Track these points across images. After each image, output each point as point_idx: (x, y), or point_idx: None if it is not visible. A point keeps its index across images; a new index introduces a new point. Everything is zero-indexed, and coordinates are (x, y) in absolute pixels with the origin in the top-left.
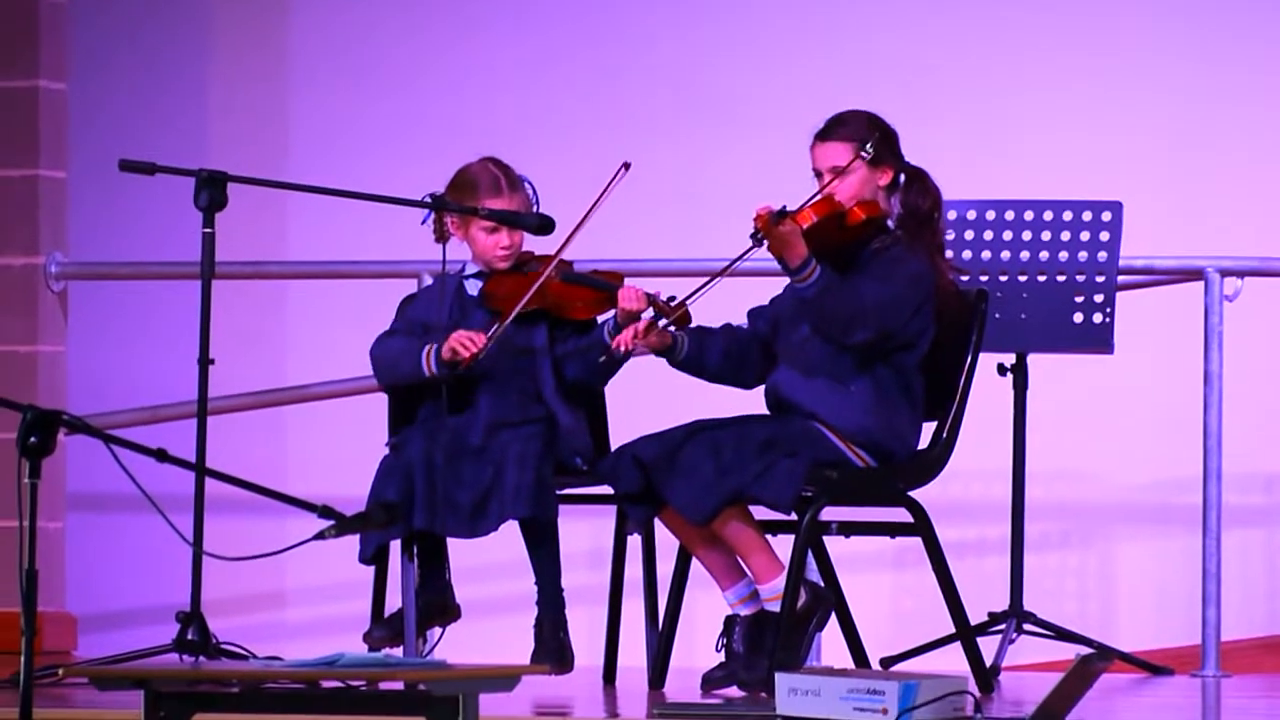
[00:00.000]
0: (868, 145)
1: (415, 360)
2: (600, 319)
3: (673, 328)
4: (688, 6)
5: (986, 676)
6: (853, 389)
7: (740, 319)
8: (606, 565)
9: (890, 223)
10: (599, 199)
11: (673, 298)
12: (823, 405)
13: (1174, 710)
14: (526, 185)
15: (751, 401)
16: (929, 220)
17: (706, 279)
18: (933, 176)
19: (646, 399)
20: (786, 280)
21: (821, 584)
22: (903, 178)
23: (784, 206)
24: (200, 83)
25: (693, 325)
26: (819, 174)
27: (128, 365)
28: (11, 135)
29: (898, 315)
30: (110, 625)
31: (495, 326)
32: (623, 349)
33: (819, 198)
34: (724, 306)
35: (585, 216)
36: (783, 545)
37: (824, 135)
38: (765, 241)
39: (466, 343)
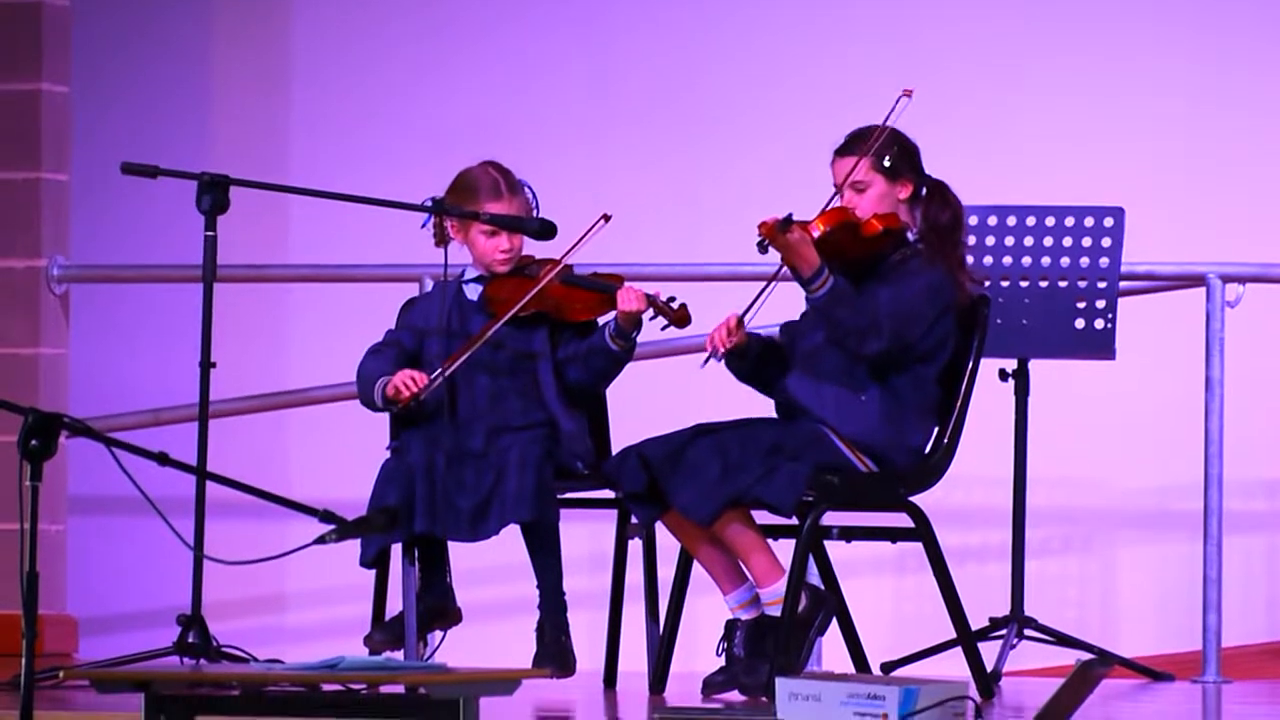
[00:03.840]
0: (885, 159)
1: (373, 392)
2: (601, 321)
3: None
4: (689, 12)
5: (987, 682)
6: (864, 398)
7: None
8: (607, 569)
9: (912, 235)
10: (574, 247)
11: (672, 298)
12: (833, 412)
13: (1175, 716)
14: (526, 189)
15: (754, 406)
16: (950, 233)
17: (752, 300)
18: (953, 190)
19: (648, 403)
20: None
21: (822, 588)
22: (924, 191)
23: (789, 215)
24: (202, 86)
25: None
26: (840, 189)
27: (129, 368)
28: (14, 138)
29: (914, 327)
30: (111, 628)
31: (438, 371)
32: (721, 349)
33: (831, 207)
34: (723, 308)
35: (562, 259)
36: (784, 549)
37: (843, 150)
38: (769, 249)
39: (409, 382)
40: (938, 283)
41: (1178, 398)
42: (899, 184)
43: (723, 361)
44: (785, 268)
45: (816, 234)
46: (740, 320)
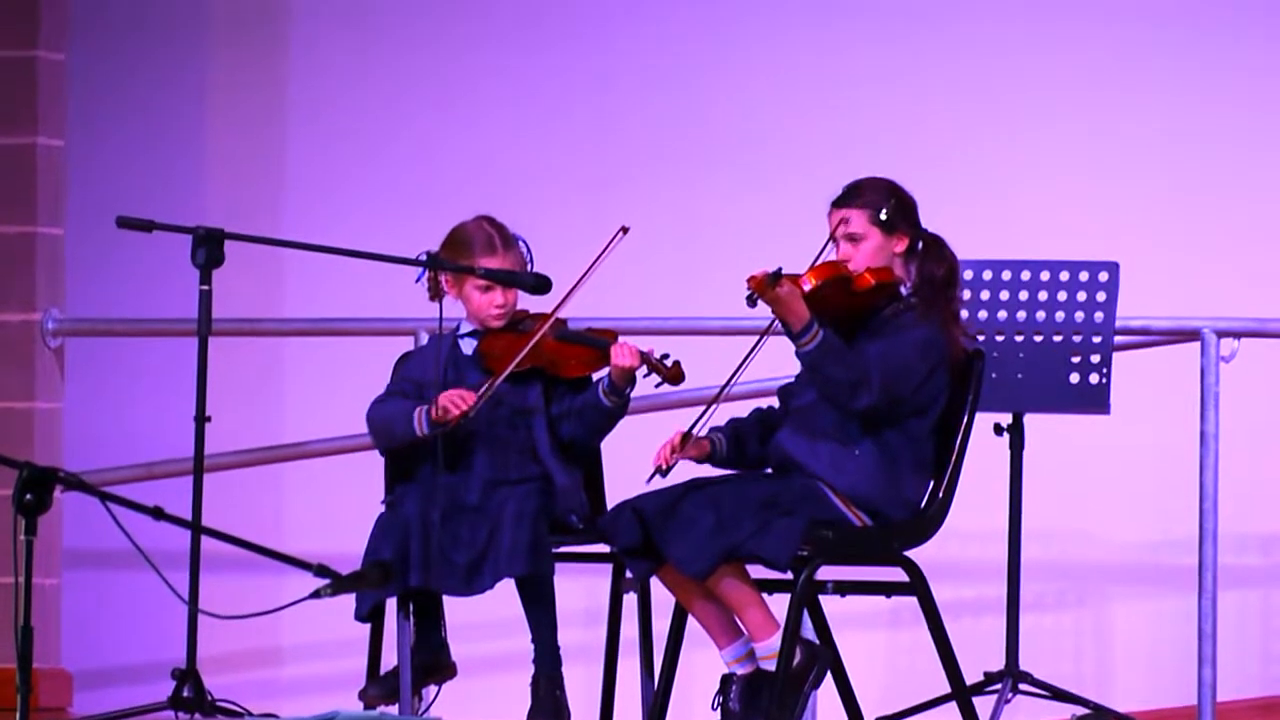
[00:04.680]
0: (881, 212)
1: (408, 422)
2: (595, 377)
3: (705, 431)
4: (684, 64)
5: None
6: (857, 452)
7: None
8: (602, 623)
9: (906, 290)
10: (595, 261)
11: (665, 355)
12: (827, 466)
13: None
14: (521, 244)
15: None
16: (944, 288)
17: (738, 365)
18: (949, 245)
19: (643, 458)
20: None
21: (817, 643)
22: (920, 245)
23: (779, 269)
24: (197, 139)
25: (722, 424)
26: (835, 240)
27: (124, 422)
28: (9, 192)
29: (905, 382)
30: (106, 682)
31: (485, 386)
32: (664, 465)
33: (822, 261)
34: (717, 362)
35: (581, 279)
36: (779, 604)
37: (840, 202)
38: (758, 303)
39: (457, 401)
40: (930, 338)
41: (1172, 452)
42: (895, 237)
43: (667, 477)
44: (773, 323)
45: (807, 287)
46: (686, 435)
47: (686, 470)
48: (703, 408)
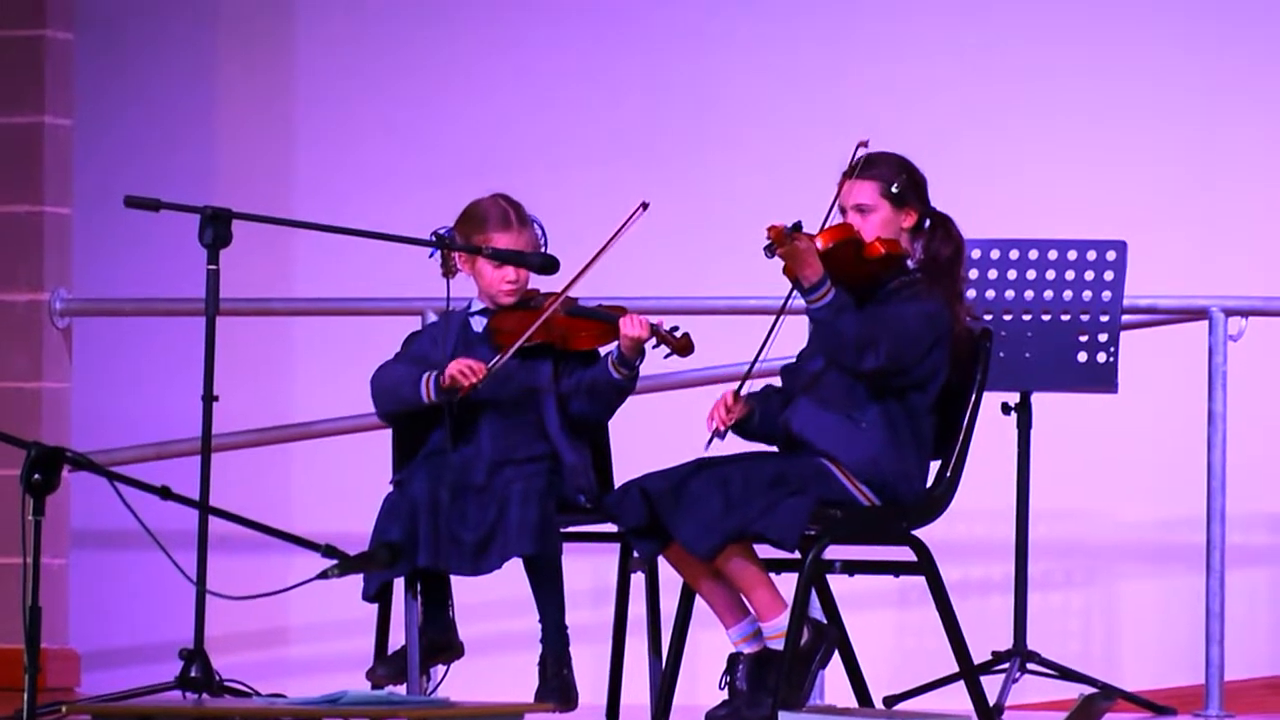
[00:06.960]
0: (893, 186)
1: (415, 386)
2: (603, 351)
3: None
4: (696, 42)
5: (990, 716)
6: (864, 425)
7: (740, 351)
8: (610, 603)
9: (911, 264)
10: (614, 236)
11: (675, 327)
12: (833, 441)
13: None
14: (536, 225)
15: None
16: (950, 267)
17: (767, 334)
18: (957, 224)
19: (650, 437)
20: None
21: (825, 622)
22: (927, 223)
23: (798, 221)
24: (205, 119)
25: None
26: (844, 211)
27: (132, 402)
28: (16, 171)
29: (912, 349)
30: (114, 662)
31: (496, 358)
32: (723, 429)
33: (835, 224)
34: (726, 341)
35: (600, 252)
36: (786, 583)
37: (851, 173)
38: (775, 255)
39: (466, 371)
40: (936, 311)
41: (1180, 431)
42: (904, 212)
43: (725, 439)
44: (786, 297)
45: (821, 246)
46: (736, 394)
47: (693, 450)
48: (743, 374)
